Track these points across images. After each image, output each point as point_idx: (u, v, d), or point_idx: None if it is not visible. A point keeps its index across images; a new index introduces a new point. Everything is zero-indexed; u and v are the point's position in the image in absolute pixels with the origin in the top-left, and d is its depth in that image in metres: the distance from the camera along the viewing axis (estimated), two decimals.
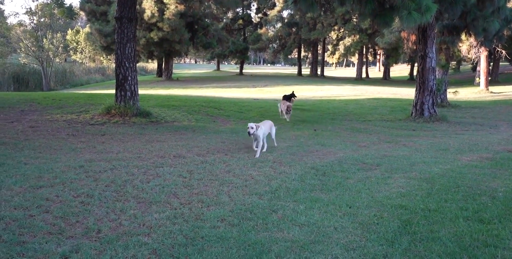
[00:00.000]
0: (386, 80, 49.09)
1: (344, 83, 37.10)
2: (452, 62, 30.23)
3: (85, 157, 6.69)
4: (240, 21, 50.87)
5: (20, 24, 43.70)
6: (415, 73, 27.86)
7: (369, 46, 50.23)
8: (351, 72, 66.35)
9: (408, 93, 24.19)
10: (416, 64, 25.40)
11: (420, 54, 13.98)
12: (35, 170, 5.75)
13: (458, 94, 24.07)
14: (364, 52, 51.55)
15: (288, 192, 5.14)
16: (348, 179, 5.79)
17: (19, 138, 8.10)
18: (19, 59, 44.11)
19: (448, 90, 20.26)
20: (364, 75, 52.28)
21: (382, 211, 4.49)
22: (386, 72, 51.78)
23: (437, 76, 15.82)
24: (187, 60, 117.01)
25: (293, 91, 16.75)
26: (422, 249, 3.55)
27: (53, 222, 3.99)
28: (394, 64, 54.13)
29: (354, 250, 3.54)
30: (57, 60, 44.06)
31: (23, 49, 40.31)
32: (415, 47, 17.18)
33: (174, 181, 5.47)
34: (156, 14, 31.02)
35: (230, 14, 50.16)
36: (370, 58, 59.64)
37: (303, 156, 7.39)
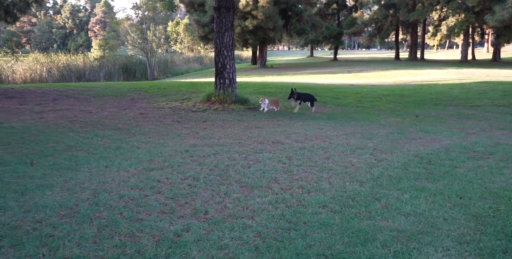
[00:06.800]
0: (496, 61, 44.84)
1: (447, 66, 34.63)
2: None
3: (189, 142, 7.07)
4: (334, 5, 49.55)
5: (127, 18, 46.99)
6: None
7: (476, 25, 46.06)
8: (455, 54, 61.68)
9: None
10: None
11: None
12: (147, 153, 6.20)
13: None
14: (470, 32, 47.49)
15: (390, 180, 4.97)
16: (457, 168, 5.43)
17: (131, 124, 8.79)
18: (127, 51, 47.63)
19: None
20: (470, 57, 48.29)
21: (498, 203, 4.15)
22: (496, 53, 47.24)
23: None
24: (280, 47, 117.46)
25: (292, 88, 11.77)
26: None
27: (165, 202, 4.29)
28: (505, 44, 49.18)
29: (468, 244, 3.32)
30: (160, 51, 46.78)
31: (130, 42, 43.35)
32: None
33: (274, 167, 5.56)
34: (251, 3, 31.44)
35: None
36: (476, 38, 54.76)
37: (405, 143, 7.08)
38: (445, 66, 33.99)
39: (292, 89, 11.10)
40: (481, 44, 74.97)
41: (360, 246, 3.34)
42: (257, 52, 40.85)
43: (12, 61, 31.40)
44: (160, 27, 45.93)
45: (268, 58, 44.47)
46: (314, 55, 68.36)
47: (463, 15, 40.19)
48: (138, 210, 4.06)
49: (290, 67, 39.18)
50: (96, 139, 7.19)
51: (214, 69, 12.13)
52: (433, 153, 6.26)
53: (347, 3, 51.25)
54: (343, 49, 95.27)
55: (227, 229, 3.66)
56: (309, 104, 11.31)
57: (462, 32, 43.54)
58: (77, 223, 3.72)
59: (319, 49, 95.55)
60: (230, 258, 3.18)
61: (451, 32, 43.28)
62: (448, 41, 75.18)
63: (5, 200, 4.20)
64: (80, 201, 4.23)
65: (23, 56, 39.26)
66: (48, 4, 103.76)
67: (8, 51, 71.40)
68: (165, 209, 4.11)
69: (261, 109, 10.98)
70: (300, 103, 11.21)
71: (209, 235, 3.54)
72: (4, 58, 35.48)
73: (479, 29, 48.89)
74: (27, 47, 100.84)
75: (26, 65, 30.38)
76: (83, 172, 5.22)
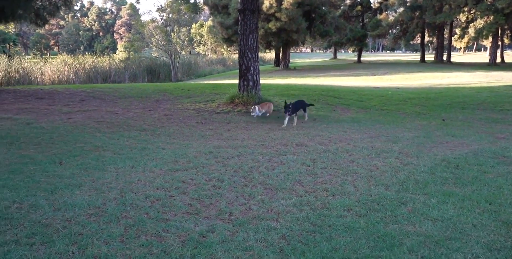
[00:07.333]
0: None
1: (475, 69, 33.92)
2: None
3: (213, 144, 7.12)
4: (359, 7, 49.13)
5: (152, 20, 47.61)
6: None
7: (506, 27, 44.89)
8: (483, 57, 60.32)
9: None
10: None
11: None
12: (171, 154, 6.28)
13: None
14: (499, 35, 46.30)
15: (417, 185, 4.90)
16: (486, 173, 5.32)
17: (156, 125, 8.91)
18: (151, 53, 48.25)
19: None
20: (498, 59, 47.08)
21: None
22: None
23: None
24: (304, 49, 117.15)
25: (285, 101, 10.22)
26: None
27: (190, 203, 4.33)
28: None
29: (499, 251, 3.25)
30: (183, 52, 47.17)
31: (154, 44, 43.85)
32: None
33: (298, 169, 5.55)
34: (274, 5, 31.47)
35: (348, 1, 48.75)
36: (506, 41, 53.36)
37: (432, 147, 6.96)
38: (472, 69, 33.33)
39: (285, 101, 9.30)
40: (510, 46, 73.07)
41: (386, 250, 3.30)
42: (280, 54, 40.85)
43: (41, 63, 32.13)
44: (184, 29, 46.35)
45: (291, 60, 44.39)
46: (337, 57, 67.92)
47: (492, 17, 39.21)
48: (164, 210, 4.11)
49: (313, 69, 39.01)
50: (122, 140, 7.32)
51: (237, 71, 12.17)
52: (461, 158, 6.14)
53: (372, 5, 50.71)
54: (367, 51, 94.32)
55: (251, 231, 3.67)
56: (301, 110, 9.90)
57: (490, 34, 42.47)
58: (105, 222, 3.79)
59: (343, 51, 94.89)
60: None
61: (479, 35, 42.24)
62: (475, 43, 73.60)
63: (36, 199, 4.31)
64: (108, 201, 4.32)
65: (51, 58, 40.30)
66: (75, 7, 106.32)
67: (37, 53, 73.48)
68: (190, 209, 4.15)
69: (255, 115, 10.16)
70: (295, 114, 9.49)
71: (233, 237, 3.56)
72: (34, 60, 36.44)
73: (508, 31, 47.67)
74: (55, 49, 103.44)
75: (54, 66, 31.06)
76: (110, 172, 5.32)
